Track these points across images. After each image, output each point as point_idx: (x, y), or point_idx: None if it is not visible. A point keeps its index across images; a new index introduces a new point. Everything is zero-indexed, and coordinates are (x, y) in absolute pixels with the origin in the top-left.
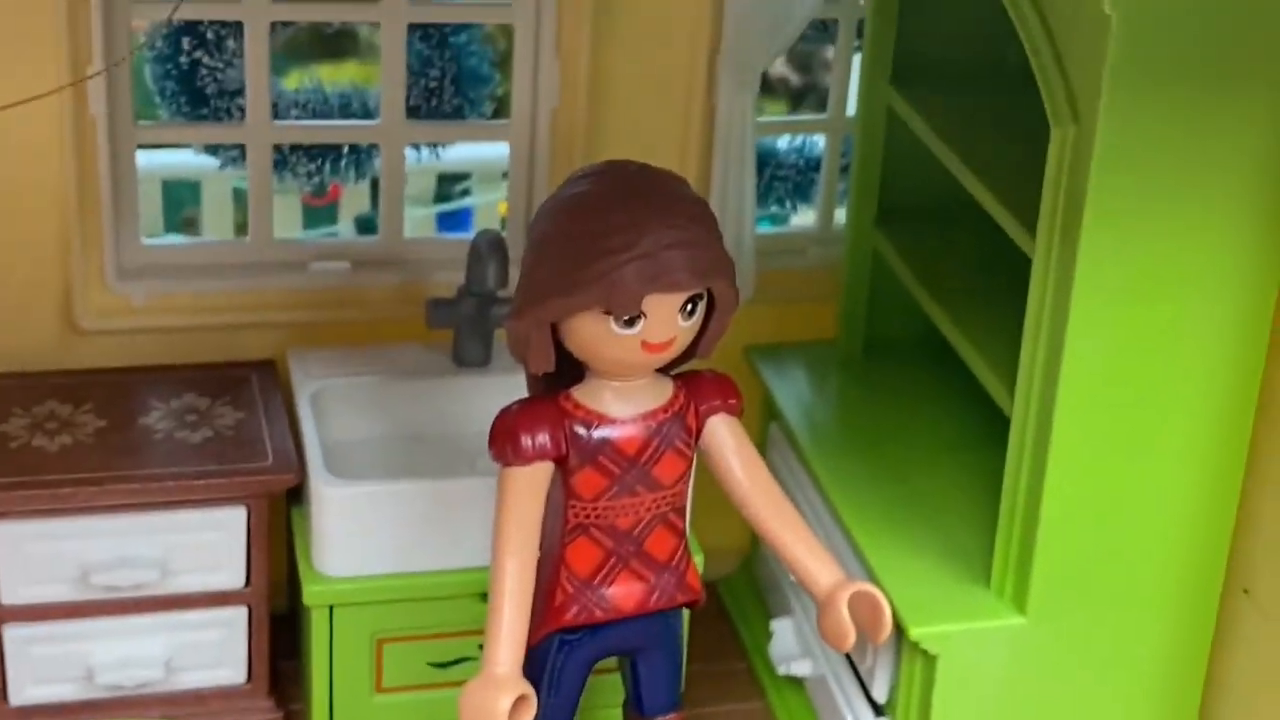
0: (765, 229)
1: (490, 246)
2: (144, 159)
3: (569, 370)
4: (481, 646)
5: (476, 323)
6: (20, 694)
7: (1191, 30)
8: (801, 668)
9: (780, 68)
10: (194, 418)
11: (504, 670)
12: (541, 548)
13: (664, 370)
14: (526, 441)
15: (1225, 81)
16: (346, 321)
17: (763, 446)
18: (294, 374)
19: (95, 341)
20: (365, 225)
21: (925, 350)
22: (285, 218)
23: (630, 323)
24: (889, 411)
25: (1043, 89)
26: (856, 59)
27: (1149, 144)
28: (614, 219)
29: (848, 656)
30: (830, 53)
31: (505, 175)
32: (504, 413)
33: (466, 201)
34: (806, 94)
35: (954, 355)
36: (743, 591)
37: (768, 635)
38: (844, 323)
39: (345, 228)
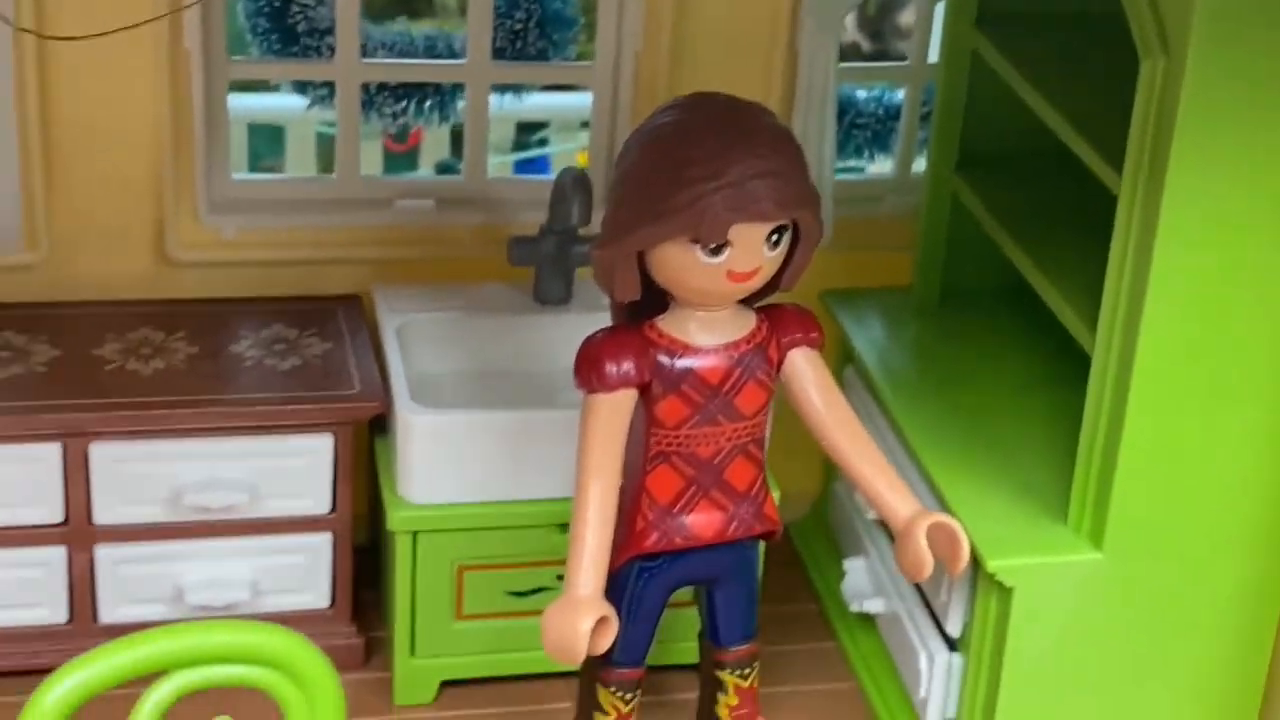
0: (843, 177)
1: (575, 183)
2: (231, 102)
3: (653, 300)
4: (561, 576)
5: (558, 260)
6: (111, 613)
7: None
8: (874, 605)
9: (853, 33)
10: (282, 347)
11: (586, 593)
12: (624, 475)
13: (747, 302)
14: (611, 369)
15: None
16: (430, 259)
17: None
18: (379, 308)
19: (186, 273)
20: (445, 172)
21: (1001, 298)
22: (367, 161)
23: (716, 251)
24: (965, 356)
25: (1131, 20)
26: (938, 9)
27: (1240, 77)
28: (701, 149)
29: (921, 593)
30: (901, 16)
31: (585, 125)
32: (589, 341)
33: (544, 150)
34: (878, 59)
35: (1029, 303)
36: (814, 534)
37: (840, 576)
38: (921, 268)
39: (425, 174)
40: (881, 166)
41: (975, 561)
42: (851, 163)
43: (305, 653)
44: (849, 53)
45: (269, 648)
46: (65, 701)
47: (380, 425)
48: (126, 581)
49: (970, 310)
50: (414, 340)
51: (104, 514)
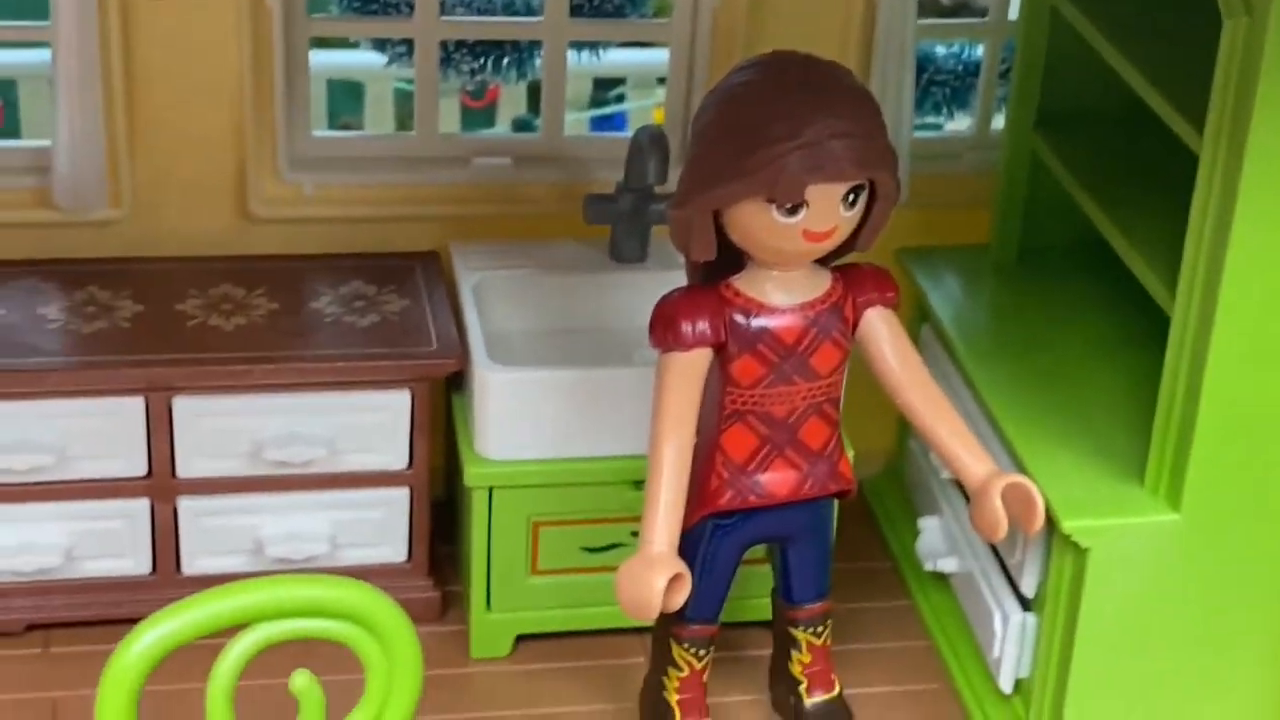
0: (920, 135)
1: (652, 141)
2: (311, 58)
3: (729, 259)
4: (635, 533)
5: (634, 219)
6: (192, 564)
7: None
8: (948, 564)
9: None
10: (361, 304)
11: (660, 549)
12: (699, 433)
13: (822, 262)
14: (687, 328)
15: None
16: (507, 216)
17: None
18: (456, 266)
19: (266, 229)
20: (522, 128)
21: (1079, 257)
22: (444, 118)
23: (793, 211)
24: (1041, 315)
25: None
26: None
27: None
28: (778, 108)
29: (995, 552)
30: None
31: (661, 81)
32: (665, 300)
33: (620, 106)
34: (958, 13)
35: (1107, 264)
36: (888, 493)
37: (914, 534)
38: (998, 227)
39: (502, 131)
40: (960, 124)
41: (1050, 522)
42: (930, 119)
43: (383, 607)
44: (928, 8)
45: (347, 602)
46: (150, 654)
47: (457, 382)
48: (208, 534)
49: (1048, 269)
50: (490, 297)
51: (186, 467)
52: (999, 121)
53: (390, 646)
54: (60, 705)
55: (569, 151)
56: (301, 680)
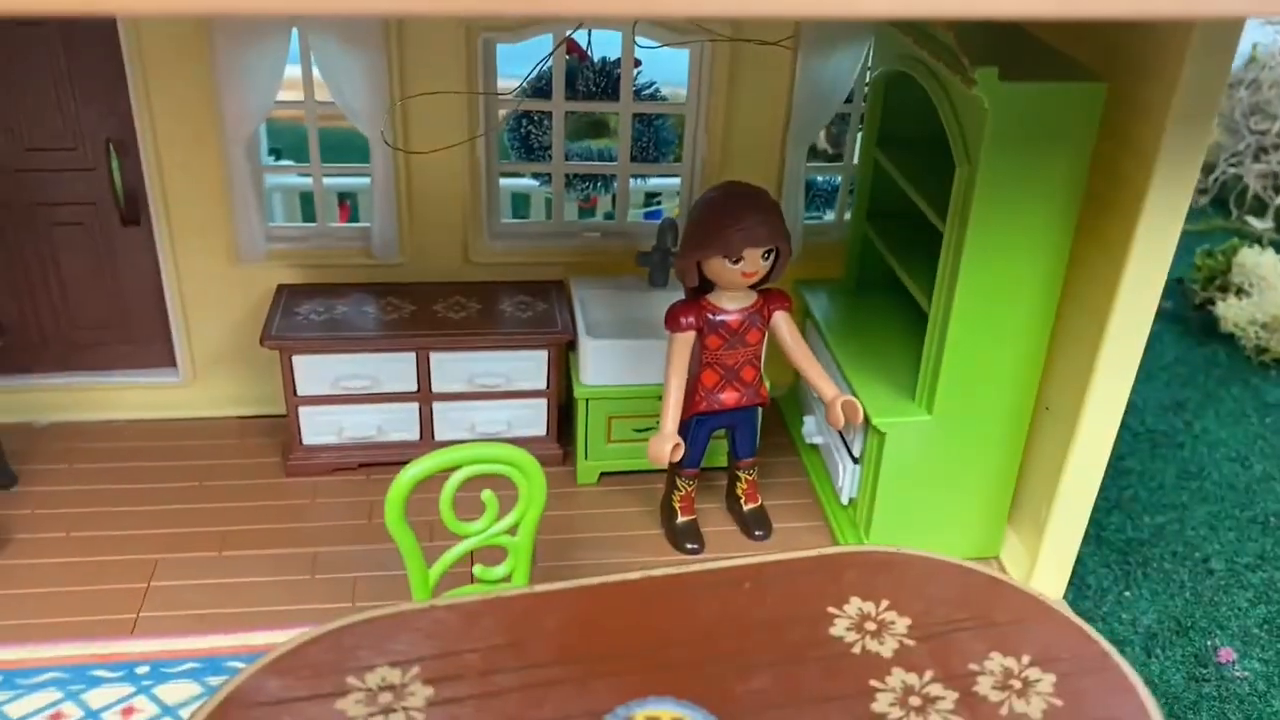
0: (807, 222)
1: (669, 225)
2: (501, 183)
3: (705, 286)
4: (657, 421)
5: (661, 264)
6: (440, 435)
7: (1028, 116)
8: (817, 439)
9: (822, 143)
10: (524, 306)
11: (669, 429)
12: (689, 373)
13: (753, 287)
14: (683, 320)
15: (1041, 147)
16: (598, 263)
17: (802, 333)
18: (572, 287)
19: (477, 268)
20: (607, 219)
21: (886, 286)
22: (567, 212)
23: (736, 262)
24: (867, 314)
25: (953, 144)
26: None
27: (1008, 181)
28: (729, 209)
29: (841, 435)
30: (845, 133)
31: (677, 193)
32: (672, 306)
33: (657, 207)
34: (834, 158)
35: (900, 289)
36: (788, 403)
37: (800, 424)
38: (847, 270)
39: (598, 220)
40: (828, 217)
41: (866, 419)
42: (812, 214)
43: (527, 457)
44: (811, 155)
45: (509, 455)
46: (413, 478)
47: (571, 346)
48: (448, 420)
49: (872, 292)
50: (589, 304)
51: (437, 386)
52: (847, 215)
53: (530, 478)
54: (374, 505)
55: (629, 230)
56: (487, 493)
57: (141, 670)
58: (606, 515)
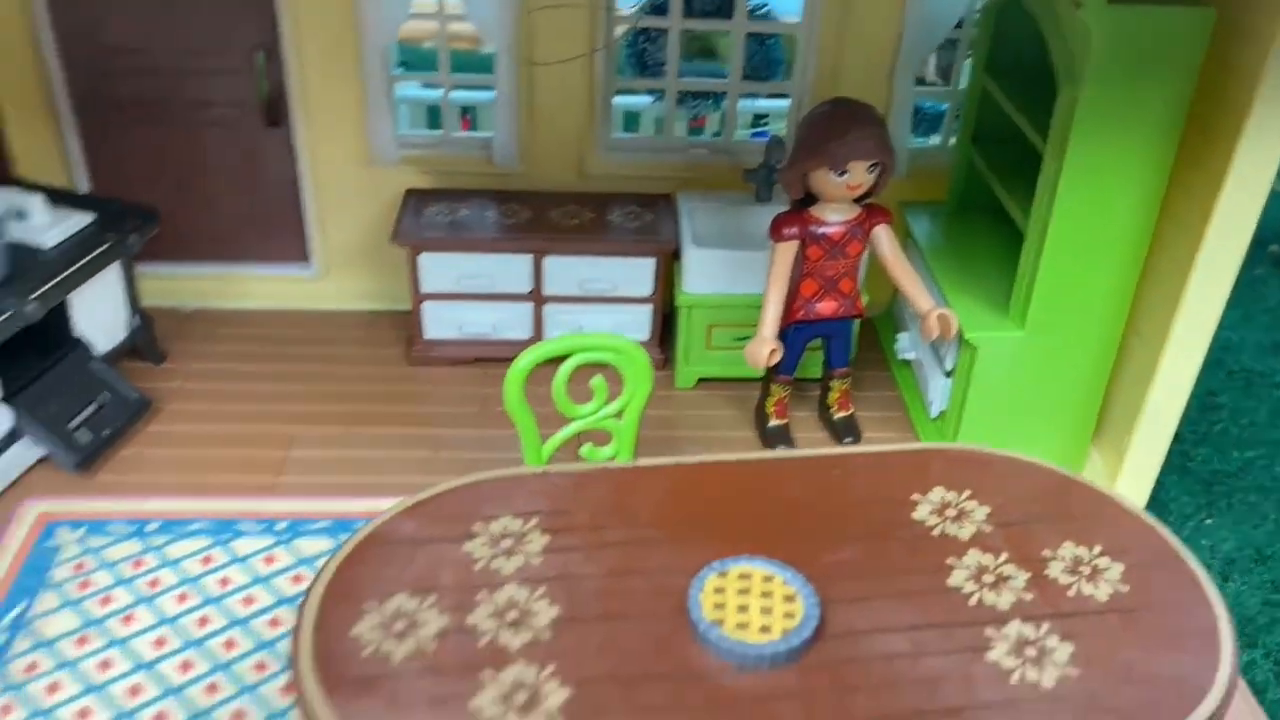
0: (911, 145)
1: (775, 142)
2: (615, 100)
3: (809, 198)
4: (757, 327)
5: (767, 180)
6: (549, 333)
7: (1133, 40)
8: (909, 355)
9: (932, 75)
10: (633, 216)
11: (768, 334)
12: (790, 282)
13: (857, 201)
14: (787, 230)
15: (1145, 71)
16: (707, 178)
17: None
18: (679, 201)
19: (591, 179)
20: (716, 137)
21: (986, 208)
22: (678, 129)
23: (841, 174)
24: (967, 234)
25: (1057, 67)
26: (967, 63)
27: (1111, 104)
28: (835, 122)
29: (934, 349)
30: (953, 63)
31: (784, 115)
32: (776, 217)
33: (765, 127)
34: (936, 84)
35: (999, 210)
36: (883, 319)
37: (894, 339)
38: (950, 192)
39: (705, 138)
40: (933, 140)
41: (961, 334)
42: (918, 138)
43: (636, 347)
44: (918, 81)
45: (618, 342)
46: (531, 360)
47: (676, 254)
48: (556, 321)
49: (973, 215)
50: (696, 216)
51: (549, 289)
52: (952, 140)
53: (636, 365)
54: (488, 396)
55: (736, 149)
56: (596, 379)
57: (280, 526)
58: (703, 416)
